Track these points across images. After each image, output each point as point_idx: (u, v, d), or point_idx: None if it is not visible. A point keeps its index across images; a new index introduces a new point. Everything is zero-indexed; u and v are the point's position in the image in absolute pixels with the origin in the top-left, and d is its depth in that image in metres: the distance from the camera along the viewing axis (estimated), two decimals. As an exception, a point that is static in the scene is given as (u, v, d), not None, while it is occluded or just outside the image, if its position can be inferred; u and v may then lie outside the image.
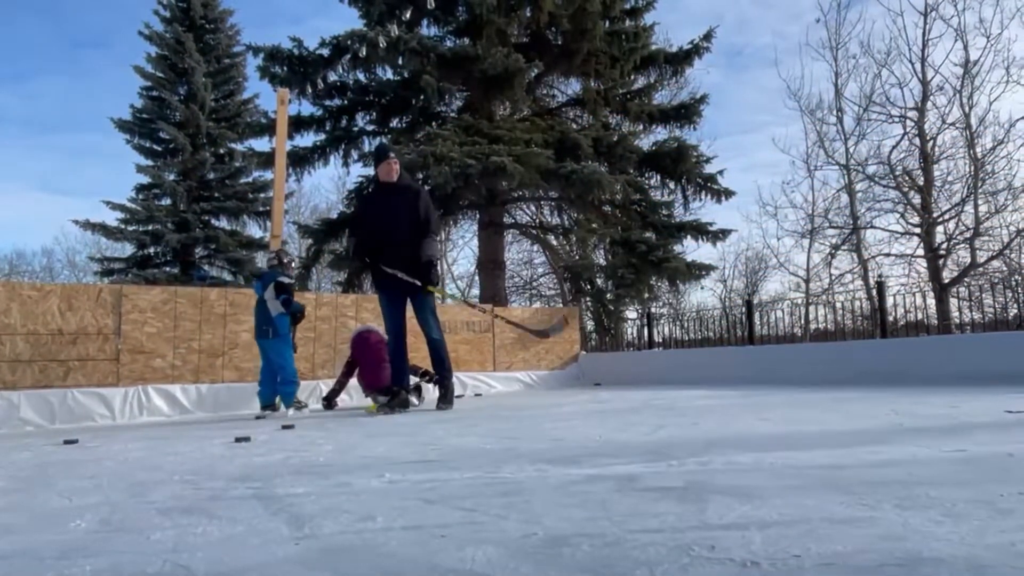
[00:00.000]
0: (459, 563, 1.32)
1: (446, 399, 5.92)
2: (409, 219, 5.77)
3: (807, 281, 20.84)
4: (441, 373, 5.95)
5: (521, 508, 1.77)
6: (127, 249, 20.24)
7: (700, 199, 13.78)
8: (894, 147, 18.88)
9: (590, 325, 15.75)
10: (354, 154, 13.57)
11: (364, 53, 11.97)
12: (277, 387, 6.32)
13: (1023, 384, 5.44)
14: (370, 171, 13.78)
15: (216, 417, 6.57)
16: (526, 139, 11.87)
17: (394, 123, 13.94)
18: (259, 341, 6.39)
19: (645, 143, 14.75)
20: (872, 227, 19.71)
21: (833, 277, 20.11)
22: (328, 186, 47.24)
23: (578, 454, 2.71)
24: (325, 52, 12.44)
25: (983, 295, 11.32)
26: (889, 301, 9.26)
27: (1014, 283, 11.82)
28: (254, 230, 21.38)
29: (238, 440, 3.84)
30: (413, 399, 6.38)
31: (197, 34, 20.54)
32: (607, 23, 13.47)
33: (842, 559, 1.24)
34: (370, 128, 13.85)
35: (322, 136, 13.65)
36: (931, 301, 12.77)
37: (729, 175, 14.25)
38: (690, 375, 9.00)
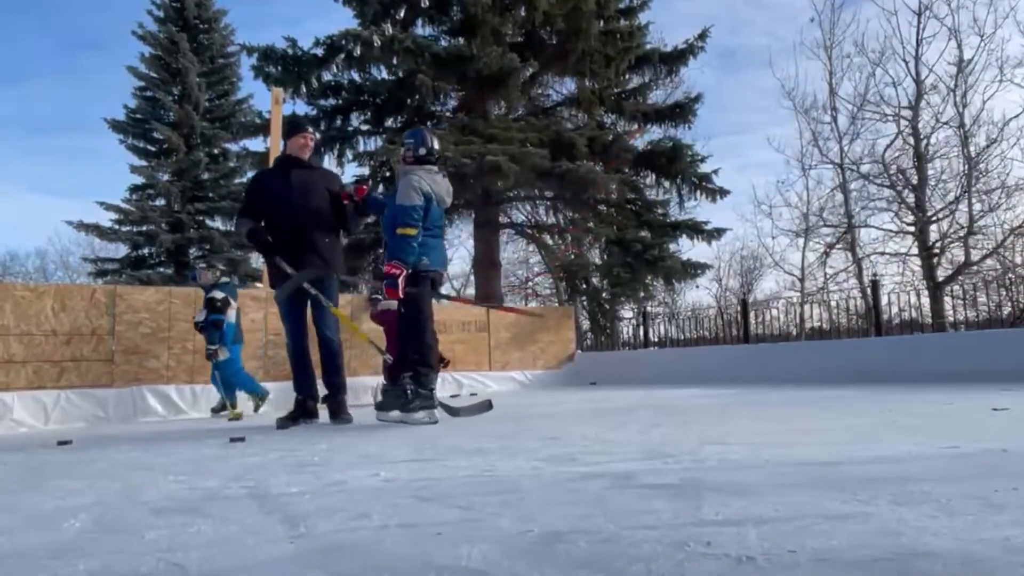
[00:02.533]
0: (454, 560, 1.31)
1: (339, 415, 4.89)
2: (329, 201, 4.96)
3: (802, 280, 20.89)
4: (335, 383, 4.93)
5: (516, 506, 1.76)
6: (121, 250, 20.18)
7: (695, 198, 13.81)
8: (888, 146, 18.97)
9: (586, 324, 15.76)
10: (348, 154, 13.55)
11: (358, 52, 11.95)
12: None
13: (1016, 382, 5.46)
14: (365, 171, 13.77)
15: (211, 417, 6.55)
16: (521, 139, 11.87)
17: (389, 123, 13.93)
18: (238, 347, 6.70)
19: (640, 142, 14.76)
20: (866, 226, 19.78)
21: (828, 276, 20.17)
22: (323, 186, 46.99)
23: (573, 452, 2.71)
24: (319, 52, 12.42)
25: (977, 293, 11.35)
26: (883, 300, 9.29)
27: (1008, 281, 11.86)
28: (248, 230, 21.28)
29: (233, 440, 3.83)
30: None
31: (191, 34, 20.50)
32: (601, 22, 13.47)
33: (837, 554, 1.24)
34: (365, 128, 13.83)
35: (316, 136, 13.63)
36: (925, 299, 12.81)
37: (724, 174, 14.31)
38: (686, 374, 9.01)
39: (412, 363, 4.51)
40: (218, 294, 6.44)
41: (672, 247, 13.40)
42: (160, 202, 19.79)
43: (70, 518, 1.87)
